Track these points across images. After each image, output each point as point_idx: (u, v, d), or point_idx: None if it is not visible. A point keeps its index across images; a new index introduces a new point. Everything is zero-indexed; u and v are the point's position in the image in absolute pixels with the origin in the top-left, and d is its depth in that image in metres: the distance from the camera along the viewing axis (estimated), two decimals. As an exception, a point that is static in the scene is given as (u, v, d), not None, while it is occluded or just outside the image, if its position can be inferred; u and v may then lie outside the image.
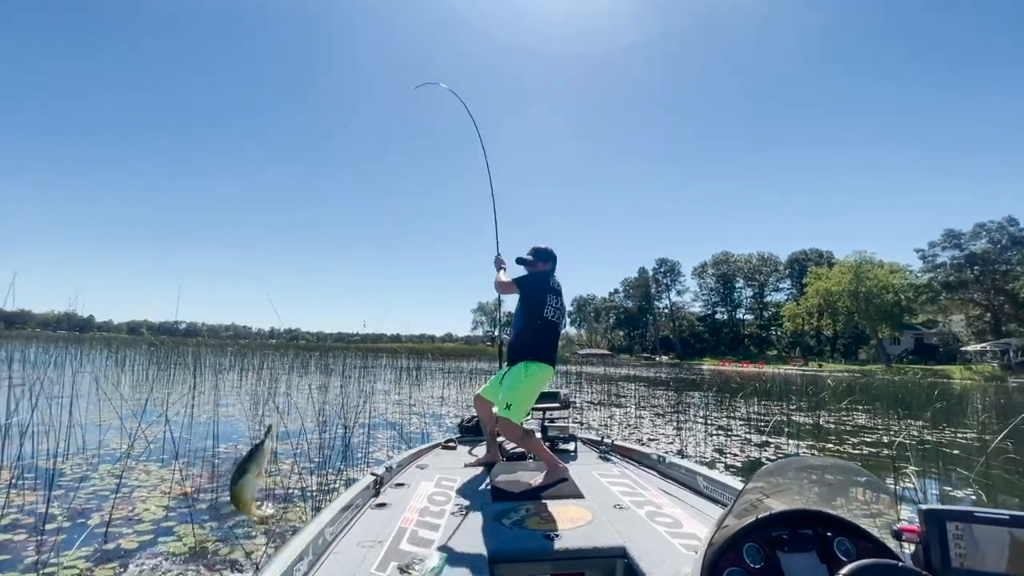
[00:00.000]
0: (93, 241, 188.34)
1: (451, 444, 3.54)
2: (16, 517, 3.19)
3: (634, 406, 10.97)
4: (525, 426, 3.17)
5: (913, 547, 1.10)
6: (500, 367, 3.42)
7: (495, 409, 2.88)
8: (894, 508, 1.28)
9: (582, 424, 8.26)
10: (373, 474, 2.40)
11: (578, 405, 10.84)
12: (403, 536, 1.83)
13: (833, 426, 9.24)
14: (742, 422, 9.21)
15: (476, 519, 2.05)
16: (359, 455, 5.12)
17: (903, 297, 49.30)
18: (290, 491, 3.87)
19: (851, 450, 6.86)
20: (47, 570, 2.53)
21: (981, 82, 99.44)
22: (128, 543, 2.88)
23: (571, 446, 3.48)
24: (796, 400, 13.39)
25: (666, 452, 3.13)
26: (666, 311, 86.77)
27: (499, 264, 3.40)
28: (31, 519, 3.13)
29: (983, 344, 43.87)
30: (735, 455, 6.17)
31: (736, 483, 2.26)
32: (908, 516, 3.56)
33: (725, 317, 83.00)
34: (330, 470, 4.32)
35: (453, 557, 1.65)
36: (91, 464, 4.48)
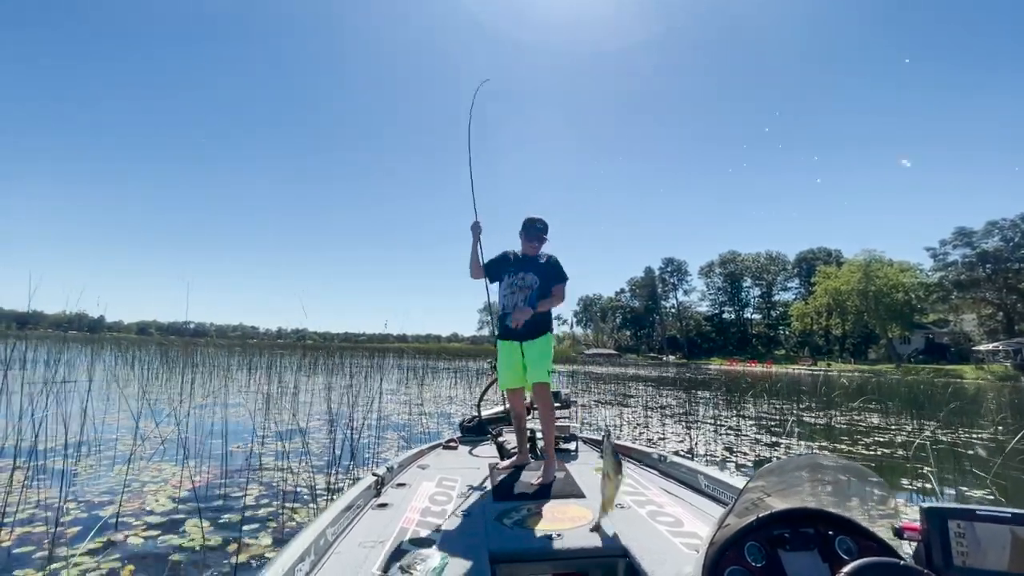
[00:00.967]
0: (103, 242, 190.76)
1: (452, 444, 3.53)
2: (33, 512, 3.24)
3: (643, 406, 10.92)
4: (526, 426, 3.16)
5: (915, 545, 1.10)
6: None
7: (544, 380, 2.92)
8: (896, 506, 1.27)
9: (591, 424, 8.24)
10: (374, 474, 2.40)
11: (586, 404, 10.81)
12: (404, 536, 1.83)
13: (845, 426, 9.14)
14: (752, 422, 9.13)
15: (477, 519, 2.05)
16: (367, 455, 5.13)
17: (913, 296, 48.86)
18: (299, 490, 3.88)
19: (864, 451, 6.78)
20: (57, 565, 2.55)
21: (990, 80, 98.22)
22: (136, 538, 2.90)
23: (572, 446, 3.46)
24: (807, 400, 13.28)
25: (671, 451, 3.11)
26: (673, 311, 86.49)
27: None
28: (48, 513, 3.17)
29: (995, 343, 43.34)
30: (745, 455, 6.12)
31: (737, 482, 2.25)
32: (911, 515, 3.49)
33: (732, 317, 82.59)
34: (339, 469, 4.32)
35: (454, 557, 1.64)
36: (103, 462, 4.52)
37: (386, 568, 1.57)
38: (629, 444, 3.39)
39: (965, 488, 4.90)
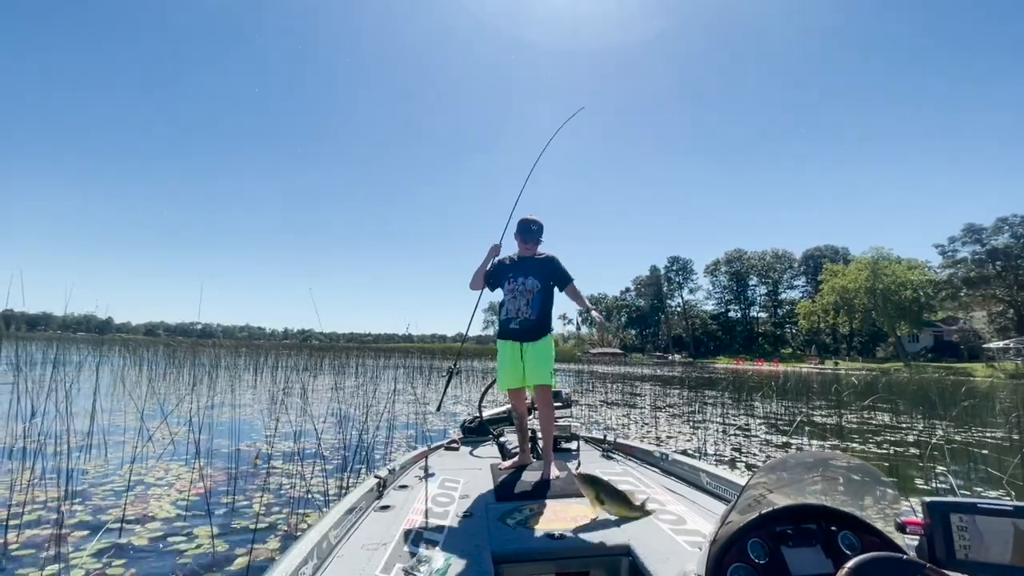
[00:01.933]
0: (112, 244, 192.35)
1: (454, 445, 3.51)
2: (40, 513, 3.24)
3: (649, 406, 10.86)
4: (528, 426, 3.14)
5: (917, 539, 1.10)
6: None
7: (546, 382, 2.91)
8: (898, 501, 1.25)
9: (599, 423, 8.20)
10: (376, 476, 2.39)
11: (592, 404, 10.76)
12: (407, 538, 1.82)
13: (856, 425, 9.05)
14: (760, 421, 9.06)
15: (480, 520, 2.06)
16: (377, 456, 5.11)
17: (922, 294, 48.24)
18: (309, 494, 3.86)
19: (876, 449, 6.70)
20: (63, 565, 2.54)
21: (1002, 74, 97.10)
22: (140, 540, 2.90)
23: (573, 445, 3.46)
24: (817, 398, 13.16)
25: (675, 450, 3.07)
26: (678, 309, 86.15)
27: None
28: (54, 515, 3.17)
29: (1006, 341, 42.79)
30: (754, 455, 6.05)
31: (739, 479, 2.25)
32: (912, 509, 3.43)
33: (738, 315, 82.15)
34: (349, 473, 4.30)
35: (457, 558, 1.65)
36: (109, 463, 4.52)
37: (389, 570, 1.56)
38: (630, 443, 3.37)
39: (980, 488, 4.83)
